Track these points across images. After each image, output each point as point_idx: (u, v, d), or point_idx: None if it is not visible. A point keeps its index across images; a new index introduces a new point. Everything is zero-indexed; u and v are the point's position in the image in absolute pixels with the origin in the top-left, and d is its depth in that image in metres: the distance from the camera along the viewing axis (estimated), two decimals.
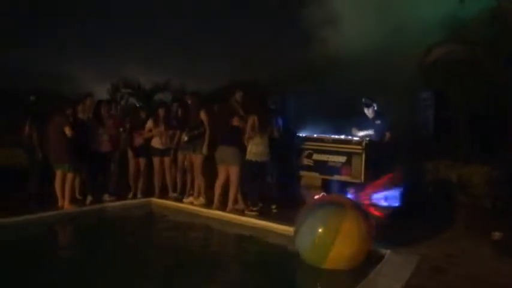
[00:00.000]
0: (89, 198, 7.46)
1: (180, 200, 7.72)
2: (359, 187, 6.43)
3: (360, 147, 6.69)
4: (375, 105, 7.18)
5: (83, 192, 7.71)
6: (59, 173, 6.97)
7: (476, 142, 8.32)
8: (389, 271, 4.35)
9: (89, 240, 5.94)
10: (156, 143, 7.90)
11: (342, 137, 7.08)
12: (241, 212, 6.83)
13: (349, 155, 6.77)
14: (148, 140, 7.96)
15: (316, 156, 7.19)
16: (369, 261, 4.49)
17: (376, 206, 5.74)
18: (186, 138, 7.38)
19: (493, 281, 4.23)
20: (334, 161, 6.96)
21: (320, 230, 4.39)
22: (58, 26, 15.04)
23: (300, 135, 7.50)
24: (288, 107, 8.29)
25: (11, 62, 13.10)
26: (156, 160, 7.97)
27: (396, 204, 5.95)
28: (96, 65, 14.78)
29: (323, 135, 7.27)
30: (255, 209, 6.77)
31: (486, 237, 5.38)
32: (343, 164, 6.83)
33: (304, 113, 8.42)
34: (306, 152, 7.30)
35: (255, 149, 6.77)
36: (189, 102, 7.56)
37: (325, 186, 7.04)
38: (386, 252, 4.82)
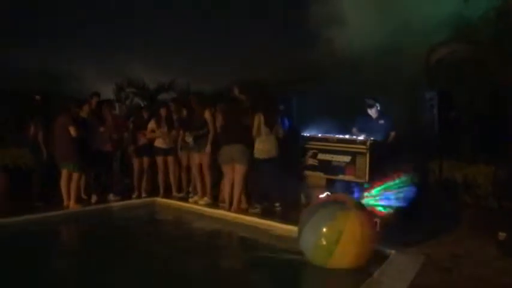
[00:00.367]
0: (94, 198, 7.50)
1: (185, 200, 7.73)
2: (364, 187, 6.44)
3: (364, 146, 6.68)
4: (377, 105, 7.19)
5: (87, 192, 7.75)
6: (64, 173, 7.01)
7: (481, 142, 8.30)
8: (394, 271, 4.34)
9: (93, 239, 5.97)
10: (159, 142, 7.92)
11: (347, 136, 7.07)
12: (245, 211, 6.84)
13: (354, 155, 6.76)
14: (151, 140, 7.98)
15: (320, 156, 7.19)
16: (373, 261, 4.48)
17: (380, 206, 5.74)
18: (190, 139, 7.39)
19: (498, 281, 4.21)
20: (338, 161, 6.95)
21: (324, 230, 4.39)
22: (61, 26, 15.07)
23: (305, 134, 7.49)
24: (292, 107, 8.29)
25: (15, 62, 13.15)
26: (159, 160, 7.99)
27: (401, 204, 5.95)
28: (101, 64, 14.81)
29: (327, 134, 7.26)
30: (258, 207, 6.77)
31: (491, 238, 5.36)
32: (348, 163, 6.82)
33: (309, 112, 8.41)
34: (311, 152, 7.30)
35: (262, 146, 6.77)
36: (192, 102, 7.59)
37: (330, 185, 7.04)
38: (391, 252, 4.81)
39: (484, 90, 8.58)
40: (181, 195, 8.00)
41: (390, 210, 5.92)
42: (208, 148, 7.22)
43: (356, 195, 6.26)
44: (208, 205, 7.32)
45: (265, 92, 8.63)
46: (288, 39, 13.74)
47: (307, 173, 7.34)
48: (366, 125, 7.19)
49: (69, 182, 7.03)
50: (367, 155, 6.63)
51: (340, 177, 6.90)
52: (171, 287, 4.31)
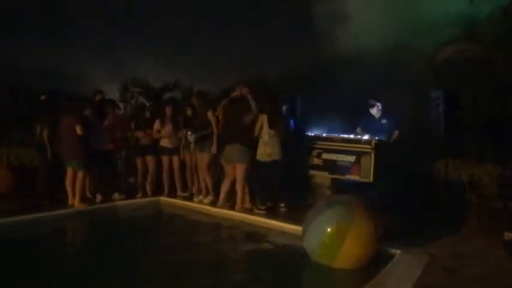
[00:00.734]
0: (99, 197, 7.51)
1: (189, 199, 7.74)
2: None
3: (369, 146, 6.67)
4: (379, 104, 7.20)
5: (92, 190, 7.78)
6: (70, 171, 7.04)
7: (487, 141, 8.25)
8: (399, 271, 4.33)
9: (97, 238, 6.00)
10: (165, 142, 7.92)
11: (351, 136, 7.06)
12: (250, 211, 6.83)
13: (359, 155, 6.75)
14: (155, 139, 7.98)
15: (325, 156, 7.17)
16: (378, 261, 4.47)
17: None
18: (192, 137, 7.38)
19: (504, 281, 4.19)
20: (343, 161, 6.93)
21: (329, 230, 4.38)
22: (67, 26, 15.13)
23: (309, 134, 7.48)
24: (296, 106, 8.28)
25: (20, 61, 13.22)
26: (164, 159, 7.99)
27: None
28: (106, 64, 14.87)
29: (332, 134, 7.25)
30: (263, 207, 6.77)
31: (497, 238, 5.33)
32: (353, 163, 6.81)
33: (313, 112, 8.41)
34: (315, 152, 7.28)
35: (263, 149, 6.75)
36: (195, 102, 7.59)
37: (335, 185, 7.04)
38: (396, 252, 4.79)
39: (491, 89, 8.53)
40: (185, 194, 7.99)
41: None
42: (214, 148, 7.22)
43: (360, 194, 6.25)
44: (212, 203, 7.31)
45: (269, 92, 8.59)
46: (292, 38, 13.71)
47: (312, 172, 7.33)
48: (369, 125, 7.19)
49: (74, 181, 7.05)
50: (372, 155, 6.61)
51: (345, 176, 6.89)
52: (175, 286, 4.31)
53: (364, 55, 9.38)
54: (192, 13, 15.65)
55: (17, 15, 14.55)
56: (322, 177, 7.24)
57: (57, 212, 6.74)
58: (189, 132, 7.38)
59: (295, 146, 7.30)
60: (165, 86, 14.36)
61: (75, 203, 7.03)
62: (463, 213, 6.86)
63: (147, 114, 8.24)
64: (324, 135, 7.32)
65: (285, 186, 7.21)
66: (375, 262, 4.46)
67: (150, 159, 8.02)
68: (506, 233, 5.35)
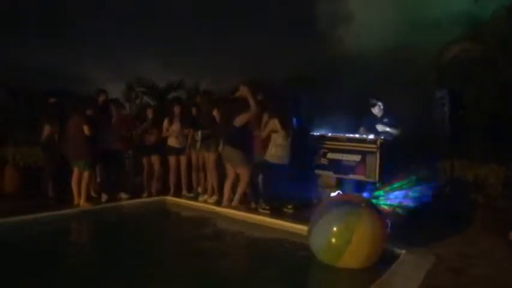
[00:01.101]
0: (104, 197, 7.54)
1: (194, 199, 7.75)
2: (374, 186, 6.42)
3: (374, 146, 6.66)
4: (380, 104, 7.22)
5: (97, 190, 7.81)
6: (76, 171, 7.06)
7: (492, 141, 8.24)
8: (405, 271, 4.34)
9: (102, 237, 6.03)
10: (172, 141, 7.94)
11: (357, 135, 7.06)
12: (255, 211, 6.85)
13: (364, 154, 6.75)
14: (162, 139, 8.00)
15: (330, 155, 7.17)
16: (384, 261, 4.48)
17: (391, 205, 5.72)
18: (199, 138, 7.40)
19: (509, 281, 4.19)
20: (348, 160, 6.93)
21: (335, 229, 4.39)
22: (67, 26, 15.17)
23: (314, 134, 7.48)
24: (301, 106, 8.27)
25: (25, 61, 13.27)
26: (172, 159, 8.01)
27: (412, 204, 5.93)
28: (106, 64, 14.93)
29: (337, 134, 7.24)
30: (267, 207, 6.78)
31: (502, 238, 5.33)
32: (358, 163, 6.80)
33: (318, 111, 8.41)
34: (321, 151, 7.28)
35: (275, 150, 6.74)
36: (199, 101, 7.60)
37: (340, 185, 7.04)
38: (402, 252, 4.80)
39: (496, 89, 8.52)
40: (191, 194, 8.00)
41: (400, 210, 5.91)
42: (221, 148, 7.24)
43: (367, 194, 6.25)
44: (217, 202, 7.34)
45: (277, 94, 8.59)
46: (293, 37, 13.72)
47: (318, 172, 7.33)
48: (372, 124, 7.20)
49: (80, 181, 7.08)
50: (378, 154, 6.61)
51: (351, 176, 6.89)
52: (179, 284, 4.33)
53: (368, 55, 9.38)
54: (192, 13, 15.69)
55: (17, 15, 14.61)
56: (327, 177, 7.24)
57: (63, 211, 6.77)
58: (196, 132, 7.42)
59: (300, 146, 7.30)
60: (169, 85, 14.40)
61: (81, 202, 7.06)
62: (469, 213, 6.86)
63: (150, 114, 8.19)
64: (329, 134, 7.31)
65: (291, 187, 7.22)
66: (381, 262, 4.46)
67: (155, 159, 8.05)
68: (511, 233, 5.36)
